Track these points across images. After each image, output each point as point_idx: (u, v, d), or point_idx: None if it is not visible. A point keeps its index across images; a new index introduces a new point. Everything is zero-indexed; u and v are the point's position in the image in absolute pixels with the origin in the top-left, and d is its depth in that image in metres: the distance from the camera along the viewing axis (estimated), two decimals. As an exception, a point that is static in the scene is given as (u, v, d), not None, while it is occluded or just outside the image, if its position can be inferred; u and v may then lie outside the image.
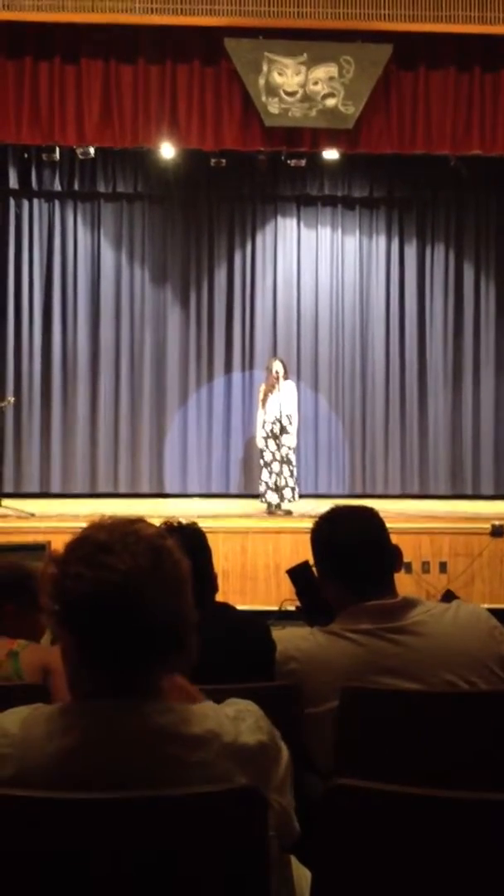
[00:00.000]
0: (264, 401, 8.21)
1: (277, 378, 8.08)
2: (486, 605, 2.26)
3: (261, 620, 2.76)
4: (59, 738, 1.35)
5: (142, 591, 1.34)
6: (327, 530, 2.26)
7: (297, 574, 2.48)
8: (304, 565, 2.48)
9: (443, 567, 7.00)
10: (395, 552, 2.24)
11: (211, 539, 2.66)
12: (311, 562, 2.37)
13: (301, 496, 8.31)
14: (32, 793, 1.31)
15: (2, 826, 1.30)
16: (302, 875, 1.68)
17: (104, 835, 1.30)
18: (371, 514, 2.31)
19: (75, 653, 1.41)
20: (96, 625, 1.35)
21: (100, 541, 1.39)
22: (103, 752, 1.34)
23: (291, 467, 8.11)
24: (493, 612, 2.21)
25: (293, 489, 8.09)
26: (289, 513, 7.88)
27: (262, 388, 8.36)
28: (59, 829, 1.30)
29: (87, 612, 1.35)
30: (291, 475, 8.09)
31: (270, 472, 8.03)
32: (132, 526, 1.42)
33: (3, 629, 2.78)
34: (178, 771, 1.33)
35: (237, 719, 1.42)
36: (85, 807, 1.30)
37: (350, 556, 2.17)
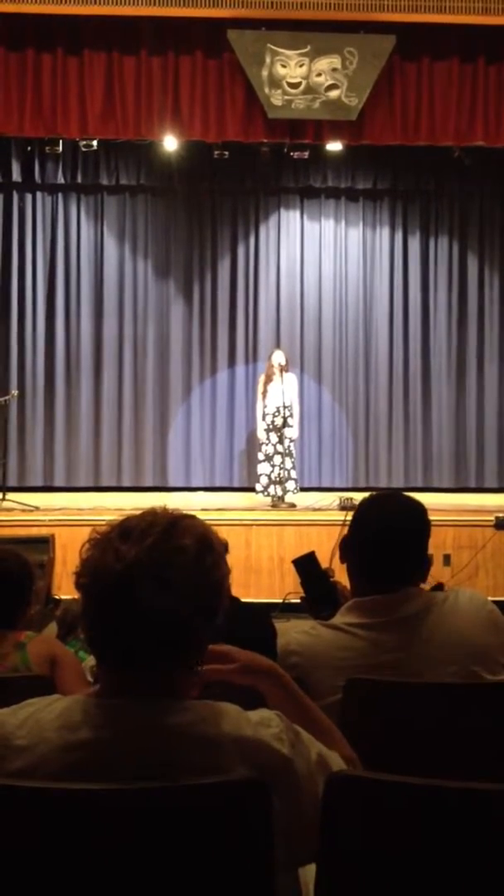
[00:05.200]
0: (264, 392, 8.21)
1: (280, 369, 8.07)
2: (489, 598, 2.25)
3: (263, 612, 2.76)
4: (70, 733, 1.35)
5: (135, 584, 1.33)
6: (357, 514, 2.22)
7: (303, 564, 2.48)
8: (311, 556, 2.48)
9: (446, 560, 6.99)
10: (425, 561, 2.17)
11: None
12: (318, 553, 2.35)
13: (304, 489, 8.31)
14: (33, 783, 1.32)
15: (7, 817, 1.31)
16: (306, 867, 1.68)
17: (104, 826, 1.30)
18: (410, 511, 2.19)
19: (88, 636, 1.42)
20: (95, 609, 1.37)
21: (128, 527, 1.39)
22: (114, 749, 1.33)
23: (293, 460, 8.12)
24: (497, 604, 2.21)
25: (296, 481, 8.10)
26: (293, 505, 7.88)
27: (262, 378, 8.36)
28: (59, 820, 1.30)
29: (89, 594, 1.38)
30: (294, 467, 8.09)
31: (272, 466, 8.03)
32: (168, 520, 1.40)
33: (11, 623, 2.78)
34: (188, 771, 1.32)
35: (260, 725, 1.40)
36: (82, 799, 1.30)
37: (362, 545, 2.16)
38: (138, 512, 1.44)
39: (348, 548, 2.19)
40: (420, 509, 2.20)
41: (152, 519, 1.40)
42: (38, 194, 9.33)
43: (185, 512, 1.46)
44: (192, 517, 1.45)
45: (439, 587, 2.21)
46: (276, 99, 6.99)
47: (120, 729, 1.35)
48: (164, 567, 1.35)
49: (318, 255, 9.59)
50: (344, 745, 1.58)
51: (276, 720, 1.42)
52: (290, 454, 8.05)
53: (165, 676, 1.38)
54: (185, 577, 1.36)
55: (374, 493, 2.32)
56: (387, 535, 2.13)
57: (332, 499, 7.81)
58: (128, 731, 1.34)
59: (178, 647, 1.37)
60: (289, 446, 8.05)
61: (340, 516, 6.03)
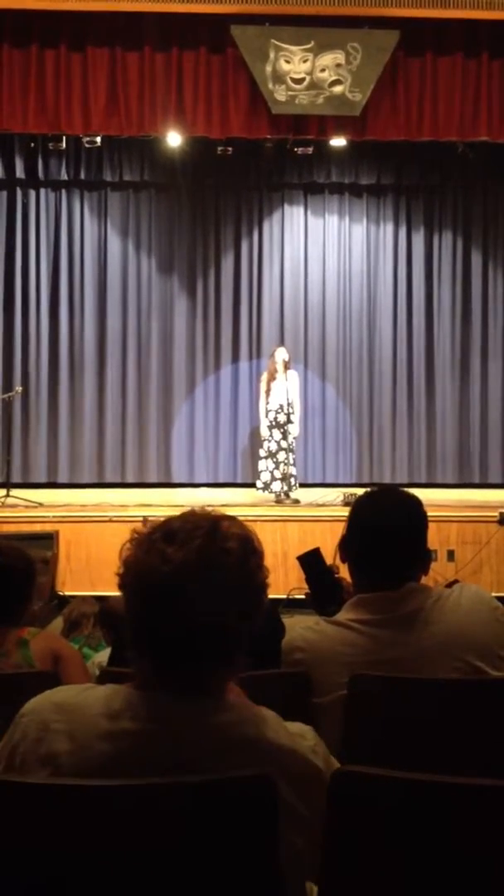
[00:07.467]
0: (267, 390, 8.20)
1: (284, 366, 8.06)
2: (493, 594, 2.25)
3: (271, 606, 2.76)
4: (111, 721, 1.36)
5: (185, 587, 1.34)
6: (352, 512, 2.22)
7: (308, 560, 2.48)
8: (315, 552, 2.48)
9: (450, 555, 7.00)
10: (424, 555, 2.18)
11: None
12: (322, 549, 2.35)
13: (308, 484, 8.29)
14: (46, 780, 1.32)
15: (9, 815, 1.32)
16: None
17: (118, 821, 1.30)
18: (406, 505, 2.19)
19: (131, 634, 1.42)
20: (141, 609, 1.38)
21: (172, 528, 1.39)
22: (157, 742, 1.34)
23: (294, 456, 8.12)
24: (500, 599, 2.21)
25: (295, 477, 8.11)
26: (296, 501, 7.89)
27: (265, 376, 8.35)
28: (73, 816, 1.31)
29: (135, 595, 1.38)
30: (294, 464, 8.10)
31: (276, 462, 8.03)
32: (210, 521, 1.40)
33: (14, 619, 2.78)
34: (226, 769, 1.33)
35: (298, 736, 1.42)
36: (94, 794, 1.31)
37: (360, 542, 2.16)
38: (159, 512, 1.44)
39: (346, 546, 2.19)
40: (415, 503, 2.20)
41: (195, 520, 1.40)
42: (42, 190, 9.33)
43: (223, 513, 1.46)
44: (232, 518, 1.44)
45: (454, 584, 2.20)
46: (280, 94, 6.98)
47: (163, 723, 1.36)
48: (211, 569, 1.36)
49: (322, 251, 9.58)
50: None
51: (311, 733, 1.44)
52: (292, 450, 8.06)
53: (206, 676, 1.39)
54: (231, 579, 1.37)
55: (369, 489, 2.32)
56: (383, 531, 2.13)
57: (336, 495, 7.82)
58: (171, 725, 1.35)
59: (221, 648, 1.38)
60: (291, 443, 8.05)
61: (344, 512, 6.03)
